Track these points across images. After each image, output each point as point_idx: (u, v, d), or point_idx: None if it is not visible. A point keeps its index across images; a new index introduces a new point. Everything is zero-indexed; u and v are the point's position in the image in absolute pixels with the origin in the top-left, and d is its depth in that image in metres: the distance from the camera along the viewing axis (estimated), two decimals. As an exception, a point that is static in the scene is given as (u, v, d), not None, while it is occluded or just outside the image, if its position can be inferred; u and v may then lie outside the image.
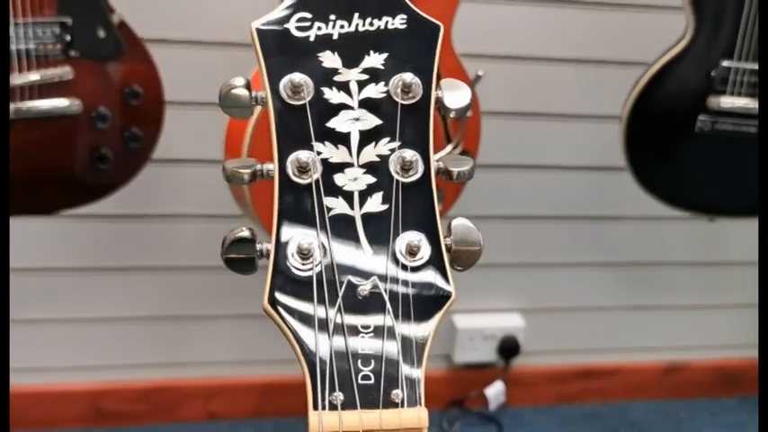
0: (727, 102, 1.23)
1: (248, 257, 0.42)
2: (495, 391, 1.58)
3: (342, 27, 0.44)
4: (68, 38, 1.06)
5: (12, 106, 1.05)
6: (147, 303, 1.46)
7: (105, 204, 1.18)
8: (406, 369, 0.40)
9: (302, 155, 0.42)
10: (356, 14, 0.45)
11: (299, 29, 0.44)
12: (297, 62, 0.44)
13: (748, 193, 1.31)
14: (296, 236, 0.42)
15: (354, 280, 0.42)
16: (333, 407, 0.39)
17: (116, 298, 1.44)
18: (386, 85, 0.44)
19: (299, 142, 0.43)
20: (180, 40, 1.32)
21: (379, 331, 0.41)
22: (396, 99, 0.44)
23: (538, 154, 1.50)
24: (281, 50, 0.44)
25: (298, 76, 0.43)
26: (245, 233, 0.42)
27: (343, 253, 0.42)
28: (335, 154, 0.43)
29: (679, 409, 1.66)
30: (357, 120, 0.44)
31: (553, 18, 1.43)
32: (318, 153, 0.43)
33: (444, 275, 0.42)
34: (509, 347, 1.58)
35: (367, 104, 0.44)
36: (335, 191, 0.43)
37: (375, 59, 0.44)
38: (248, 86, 0.44)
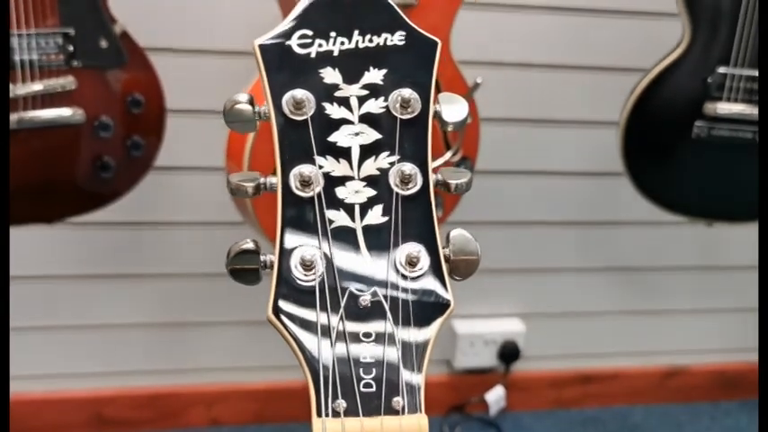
0: (724, 108, 1.24)
1: (252, 268, 0.43)
2: (495, 396, 1.59)
3: (342, 44, 0.46)
4: (71, 48, 1.07)
5: (15, 116, 1.06)
6: (149, 310, 1.46)
7: (107, 212, 1.19)
8: (406, 377, 0.41)
9: (305, 169, 0.44)
10: (356, 31, 0.46)
11: (300, 46, 0.45)
12: (298, 78, 0.45)
13: (746, 198, 1.32)
14: (299, 247, 0.43)
15: (356, 290, 0.43)
16: (336, 414, 0.40)
17: (118, 305, 1.45)
18: (385, 100, 0.45)
19: (302, 156, 0.44)
20: (180, 49, 1.33)
21: (380, 340, 0.42)
22: (395, 114, 0.45)
23: (537, 160, 1.51)
24: (284, 67, 0.45)
25: (300, 92, 0.45)
26: (250, 245, 0.43)
27: (345, 264, 0.43)
28: (337, 168, 0.44)
29: (679, 413, 1.66)
30: (357, 134, 0.45)
31: (551, 25, 1.44)
32: (320, 167, 0.44)
33: (443, 285, 0.43)
34: (509, 352, 1.59)
35: (367, 119, 0.45)
36: (337, 204, 0.44)
37: (375, 75, 0.46)
38: (251, 102, 0.45)
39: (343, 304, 0.42)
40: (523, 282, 1.58)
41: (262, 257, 0.43)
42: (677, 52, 1.25)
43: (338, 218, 0.43)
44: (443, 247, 0.44)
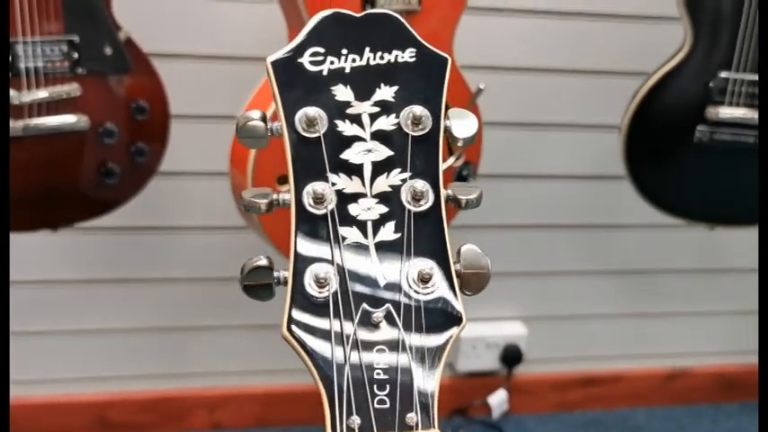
0: (726, 112, 1.24)
1: (266, 284, 0.44)
2: (498, 400, 1.59)
3: (354, 61, 0.46)
4: (76, 55, 1.08)
5: (21, 123, 1.06)
6: (151, 314, 1.47)
7: (110, 217, 1.19)
8: (419, 393, 0.42)
9: (318, 186, 0.44)
10: (367, 49, 0.46)
11: (312, 63, 0.46)
12: (311, 96, 0.45)
13: (747, 202, 1.33)
14: (313, 265, 0.43)
15: (369, 307, 0.43)
16: (350, 430, 0.41)
17: (120, 309, 1.45)
18: (397, 117, 0.46)
19: (315, 174, 0.44)
20: (185, 54, 1.34)
21: (393, 356, 0.42)
22: (406, 131, 0.46)
23: (539, 163, 1.52)
24: (296, 84, 0.45)
25: (312, 110, 0.45)
26: (263, 261, 0.44)
27: (358, 281, 0.43)
28: (349, 185, 0.45)
29: (681, 415, 1.67)
30: (369, 151, 0.45)
31: (552, 29, 1.44)
32: (333, 184, 0.44)
33: (455, 301, 0.44)
34: (512, 356, 1.59)
35: (379, 136, 0.45)
36: (350, 221, 0.44)
37: (386, 92, 0.46)
38: (264, 119, 0.45)
39: (356, 321, 0.42)
40: (525, 285, 1.59)
41: (275, 274, 0.44)
42: (679, 57, 1.25)
43: (351, 235, 0.44)
44: (454, 263, 0.45)
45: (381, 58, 0.46)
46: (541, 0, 1.42)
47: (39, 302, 1.42)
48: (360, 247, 0.44)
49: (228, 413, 1.53)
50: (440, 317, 0.43)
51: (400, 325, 0.43)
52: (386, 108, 0.46)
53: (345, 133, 0.45)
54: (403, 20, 0.47)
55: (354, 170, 0.45)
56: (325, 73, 0.46)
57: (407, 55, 0.46)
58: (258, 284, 0.44)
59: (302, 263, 0.43)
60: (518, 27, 1.43)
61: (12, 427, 1.38)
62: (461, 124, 0.47)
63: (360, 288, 0.43)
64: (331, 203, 0.44)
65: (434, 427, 0.41)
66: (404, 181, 0.45)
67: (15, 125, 1.05)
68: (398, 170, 0.45)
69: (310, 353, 0.42)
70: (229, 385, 1.53)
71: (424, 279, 0.44)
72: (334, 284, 0.43)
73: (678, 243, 1.61)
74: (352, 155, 0.45)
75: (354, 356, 0.42)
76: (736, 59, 1.23)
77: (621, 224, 1.58)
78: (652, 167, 1.32)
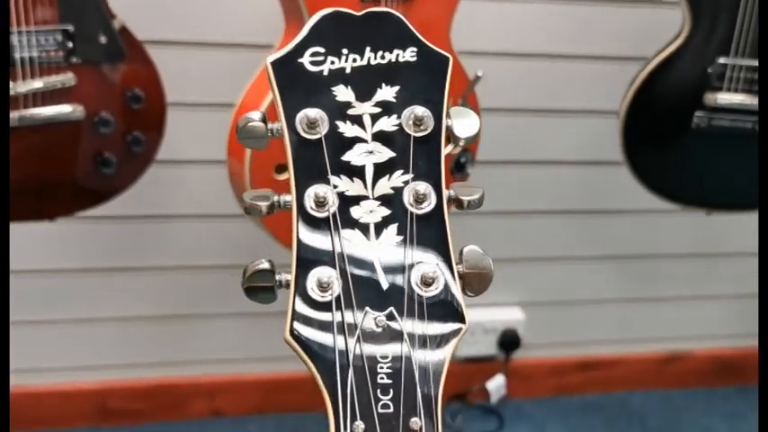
0: (724, 98, 1.24)
1: (268, 287, 0.44)
2: (496, 385, 1.60)
3: (354, 61, 0.45)
4: (70, 45, 1.07)
5: (16, 114, 1.05)
6: (150, 303, 1.47)
7: (108, 205, 1.19)
8: (423, 397, 0.42)
9: (319, 189, 0.44)
10: (368, 48, 0.46)
11: (312, 63, 0.45)
12: (311, 97, 0.45)
13: (745, 187, 1.33)
14: (315, 269, 0.43)
15: (372, 310, 0.43)
16: None
17: (119, 298, 1.46)
18: (398, 117, 0.45)
19: (316, 176, 0.44)
20: (181, 42, 1.33)
21: (396, 360, 0.42)
22: (408, 131, 0.45)
23: (536, 149, 1.51)
24: (296, 85, 0.45)
25: (313, 112, 0.45)
26: (265, 265, 0.44)
27: (361, 284, 0.43)
28: (351, 187, 0.44)
29: (678, 398, 1.68)
30: (371, 153, 0.45)
31: (549, 14, 1.43)
32: (335, 186, 0.44)
33: (458, 304, 0.44)
34: (509, 341, 1.60)
35: (380, 137, 0.45)
36: (352, 223, 0.44)
37: (387, 92, 0.46)
38: (264, 120, 0.45)
39: (360, 325, 0.42)
40: (523, 270, 1.59)
41: (277, 277, 0.44)
42: (677, 42, 1.24)
43: (353, 238, 0.44)
44: (457, 264, 0.45)
45: (382, 57, 0.46)
46: (539, -15, 1.41)
47: (37, 292, 1.42)
48: (362, 251, 0.44)
49: (228, 400, 1.54)
50: (443, 320, 0.43)
51: (403, 328, 0.43)
52: (387, 108, 0.45)
53: (346, 134, 0.45)
54: (404, 18, 0.46)
55: (356, 172, 0.44)
56: (325, 73, 0.45)
57: (408, 54, 0.46)
58: (260, 287, 0.44)
59: (304, 266, 0.43)
60: (514, 13, 1.42)
61: (12, 415, 1.39)
62: (463, 123, 0.47)
63: (363, 291, 0.43)
64: (333, 206, 0.44)
65: (438, 431, 0.41)
66: (406, 183, 0.45)
67: (11, 116, 1.04)
68: (400, 172, 0.45)
69: (313, 357, 0.42)
70: (229, 372, 1.54)
71: (428, 282, 0.43)
72: (337, 288, 0.43)
73: (675, 228, 1.61)
74: (353, 156, 0.45)
75: (358, 360, 0.42)
76: (735, 45, 1.22)
77: (619, 209, 1.59)
78: (650, 153, 1.32)
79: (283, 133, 0.44)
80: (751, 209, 1.36)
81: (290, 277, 0.43)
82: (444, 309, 0.44)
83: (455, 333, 0.43)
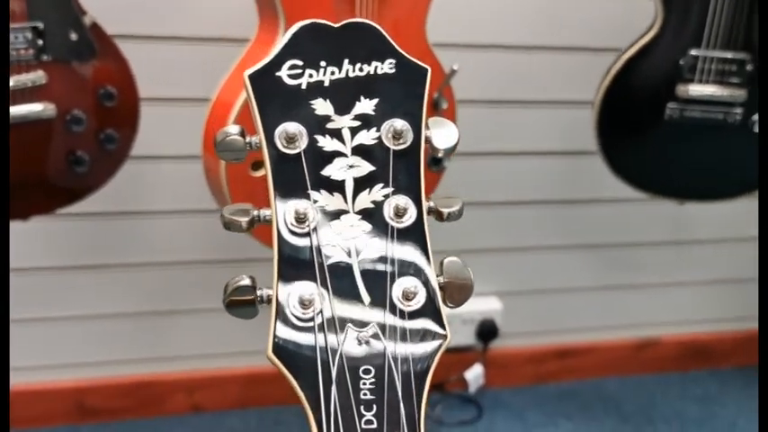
0: (696, 90, 1.25)
1: (249, 301, 0.43)
2: (474, 374, 1.62)
3: (332, 73, 0.45)
4: (41, 42, 1.05)
5: (-15, 113, 1.03)
6: (128, 299, 1.46)
7: (83, 202, 1.17)
8: (406, 412, 0.42)
9: (299, 205, 0.44)
10: (346, 60, 0.45)
11: (290, 76, 0.45)
12: (290, 111, 0.45)
13: (717, 177, 1.35)
14: (296, 285, 0.43)
15: (354, 327, 0.43)
16: None
17: (96, 295, 1.44)
18: (377, 130, 0.45)
19: (296, 191, 0.44)
20: (153, 36, 1.31)
21: (379, 376, 0.42)
22: (387, 145, 0.45)
23: (511, 140, 1.52)
24: (275, 98, 0.45)
25: (292, 126, 0.44)
26: (246, 281, 0.44)
27: (343, 301, 0.43)
28: (331, 201, 0.44)
29: (651, 383, 1.71)
30: (351, 167, 0.45)
31: (524, 6, 1.44)
32: (315, 201, 0.44)
33: (439, 317, 0.44)
34: (487, 330, 1.61)
35: (360, 151, 0.45)
36: (332, 239, 0.44)
37: (366, 105, 0.45)
38: (242, 134, 0.45)
39: (342, 342, 0.43)
40: (500, 260, 1.60)
41: (258, 292, 0.44)
42: (650, 35, 1.25)
43: (334, 253, 0.44)
44: (438, 276, 0.45)
45: (361, 69, 0.46)
46: (513, -24, 1.41)
47: (13, 290, 1.39)
48: (343, 267, 0.44)
49: (208, 395, 1.54)
50: (425, 335, 0.44)
51: (386, 344, 0.43)
52: (366, 122, 0.45)
53: (326, 149, 0.45)
54: (382, 30, 0.46)
55: (336, 186, 0.44)
56: (303, 86, 0.45)
57: (387, 66, 0.46)
58: (241, 301, 0.44)
59: (286, 283, 0.43)
60: (489, 4, 1.42)
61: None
62: (442, 134, 0.47)
63: (345, 308, 0.43)
64: (313, 221, 0.44)
65: (421, 444, 0.42)
66: (386, 196, 0.45)
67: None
68: (380, 185, 0.45)
69: (296, 374, 0.42)
70: (208, 367, 1.54)
71: (409, 297, 0.44)
72: (319, 305, 0.43)
73: (648, 216, 1.63)
74: (333, 171, 0.45)
75: (341, 377, 0.42)
76: (706, 37, 1.24)
77: (593, 198, 1.60)
78: (624, 143, 1.34)
79: (262, 147, 0.44)
80: (722, 198, 1.38)
81: (272, 292, 0.43)
82: (426, 323, 0.44)
83: (437, 346, 0.44)
